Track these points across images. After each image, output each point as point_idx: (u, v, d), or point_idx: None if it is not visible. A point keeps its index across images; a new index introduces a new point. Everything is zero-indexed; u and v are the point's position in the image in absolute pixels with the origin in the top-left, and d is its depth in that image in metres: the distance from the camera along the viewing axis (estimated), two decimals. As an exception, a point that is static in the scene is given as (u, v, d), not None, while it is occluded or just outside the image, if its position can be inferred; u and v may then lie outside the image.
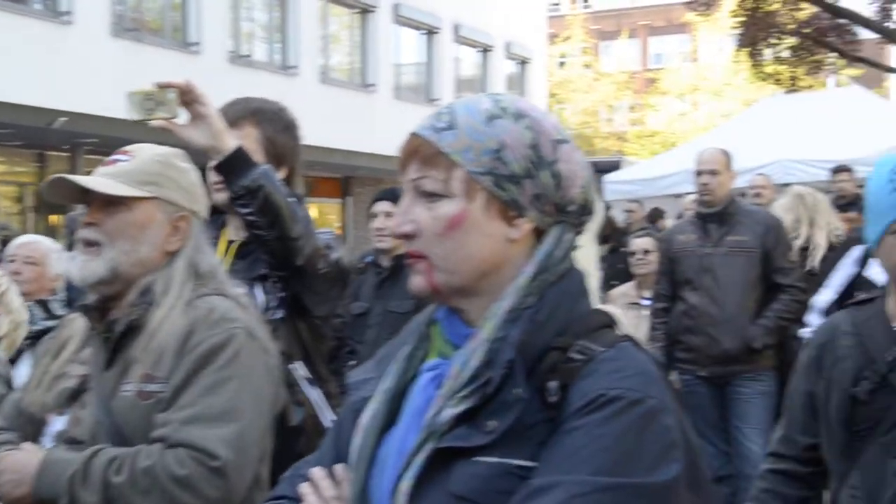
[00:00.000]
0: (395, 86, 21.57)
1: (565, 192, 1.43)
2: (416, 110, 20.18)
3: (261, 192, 2.53)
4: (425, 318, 1.52)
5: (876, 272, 3.57)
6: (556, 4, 50.42)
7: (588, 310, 1.43)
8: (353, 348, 5.06)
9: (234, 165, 2.54)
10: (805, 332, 3.94)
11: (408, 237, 1.43)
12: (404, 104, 21.21)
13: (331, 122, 18.49)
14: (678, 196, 11.37)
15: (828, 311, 3.83)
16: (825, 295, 3.84)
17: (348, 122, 19.38)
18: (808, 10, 18.53)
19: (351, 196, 21.64)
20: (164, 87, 2.43)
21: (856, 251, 3.70)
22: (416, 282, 1.43)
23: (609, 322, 1.42)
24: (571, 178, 1.43)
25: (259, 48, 18.36)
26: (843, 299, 3.74)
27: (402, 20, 21.64)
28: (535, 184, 1.41)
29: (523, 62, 26.79)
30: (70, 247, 3.98)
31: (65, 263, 4.12)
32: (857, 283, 3.66)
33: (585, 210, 1.47)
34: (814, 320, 3.89)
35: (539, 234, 1.44)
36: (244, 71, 17.20)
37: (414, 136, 1.44)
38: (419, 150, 1.42)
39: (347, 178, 21.41)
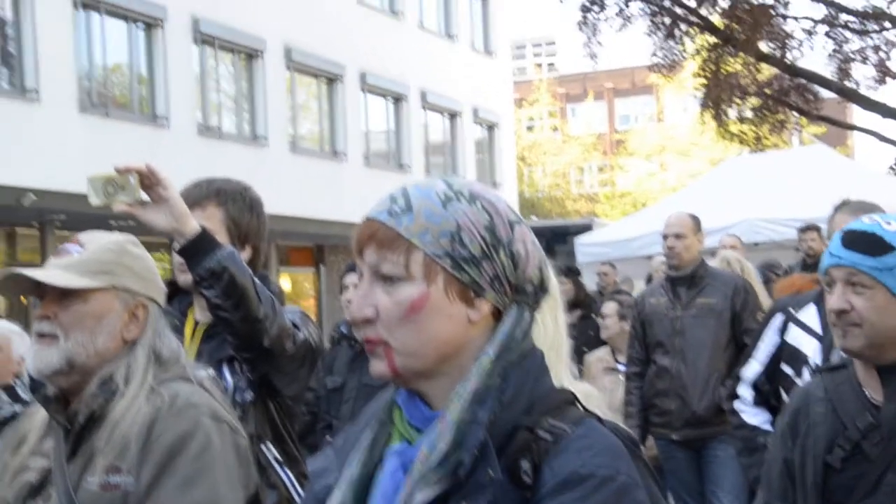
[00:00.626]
0: (364, 153, 21.66)
1: (522, 272, 1.43)
2: (386, 177, 20.26)
3: (225, 275, 2.51)
4: (385, 402, 1.50)
5: (796, 337, 3.57)
6: (522, 69, 51.19)
7: (551, 388, 1.44)
8: (329, 423, 4.99)
9: (197, 248, 2.52)
10: (737, 405, 3.88)
11: (368, 322, 1.41)
12: (374, 171, 21.30)
13: (302, 192, 18.54)
14: (649, 258, 11.41)
15: (756, 384, 3.80)
16: (753, 367, 3.80)
17: (319, 190, 19.42)
18: (768, 72, 18.84)
19: (324, 265, 21.60)
20: (124, 171, 2.42)
21: (777, 320, 3.69)
22: (377, 367, 1.42)
23: (572, 399, 1.42)
24: (527, 258, 1.44)
25: (227, 119, 18.39)
26: (770, 369, 3.74)
27: (369, 88, 21.81)
28: (492, 265, 1.40)
29: (491, 127, 27.05)
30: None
31: (27, 345, 4.04)
32: (782, 351, 3.65)
33: (542, 289, 1.47)
34: (744, 393, 3.84)
35: (497, 314, 1.43)
36: (213, 143, 17.22)
37: (370, 220, 1.43)
38: (376, 234, 1.41)
39: (320, 246, 21.39)
